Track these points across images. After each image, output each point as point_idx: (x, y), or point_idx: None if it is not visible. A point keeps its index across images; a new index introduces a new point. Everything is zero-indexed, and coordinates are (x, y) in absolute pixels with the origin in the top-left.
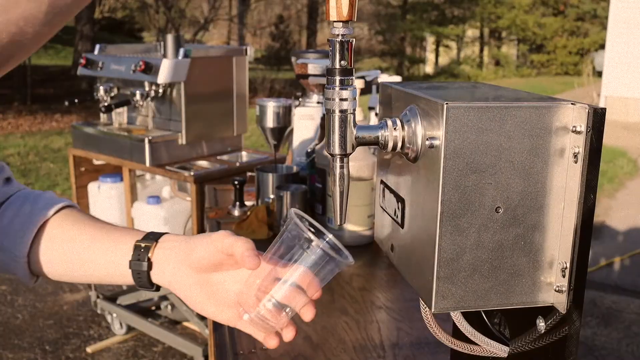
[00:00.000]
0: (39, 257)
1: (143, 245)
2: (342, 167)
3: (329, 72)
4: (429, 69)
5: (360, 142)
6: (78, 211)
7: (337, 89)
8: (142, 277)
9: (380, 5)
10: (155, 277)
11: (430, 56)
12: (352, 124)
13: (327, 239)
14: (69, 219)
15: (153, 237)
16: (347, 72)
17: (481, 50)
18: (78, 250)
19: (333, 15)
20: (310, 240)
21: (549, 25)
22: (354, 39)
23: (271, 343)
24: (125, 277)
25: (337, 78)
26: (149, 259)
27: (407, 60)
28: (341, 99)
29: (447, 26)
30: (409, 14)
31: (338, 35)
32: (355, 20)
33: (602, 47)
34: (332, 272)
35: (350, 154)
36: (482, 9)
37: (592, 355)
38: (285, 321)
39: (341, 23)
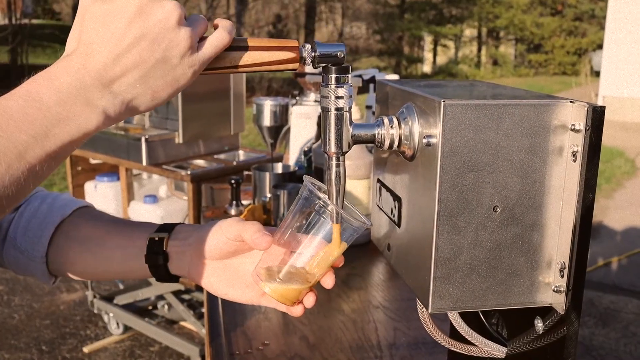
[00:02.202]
0: (57, 257)
1: (157, 238)
2: (338, 165)
3: (324, 70)
4: (426, 68)
5: (357, 141)
6: (93, 210)
7: (332, 86)
8: (160, 270)
9: (378, 5)
10: (174, 268)
11: (428, 55)
12: (348, 122)
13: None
14: (84, 218)
15: (166, 229)
16: (343, 70)
17: (479, 50)
18: (94, 248)
19: (295, 65)
20: (326, 205)
21: (547, 25)
22: (313, 40)
23: (296, 311)
24: (144, 271)
25: (333, 76)
26: (164, 252)
27: (404, 59)
28: (337, 97)
29: (445, 25)
30: (406, 13)
31: (313, 58)
32: (295, 42)
33: (600, 47)
34: (351, 237)
35: (347, 152)
36: (480, 9)
37: (590, 355)
38: (307, 291)
39: (302, 57)
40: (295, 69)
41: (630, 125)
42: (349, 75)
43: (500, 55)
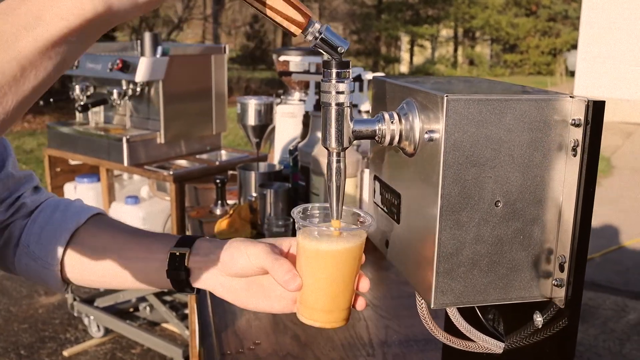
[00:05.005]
0: (72, 265)
1: (178, 253)
2: (338, 161)
3: (325, 65)
4: (403, 68)
5: (357, 136)
6: (108, 218)
7: (333, 81)
8: (182, 284)
9: (355, 5)
10: (196, 282)
11: (405, 55)
12: (348, 118)
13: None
14: (99, 226)
15: (186, 243)
16: (343, 65)
17: (455, 50)
18: (112, 259)
19: (297, 30)
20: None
21: (522, 26)
22: (325, 24)
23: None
24: (165, 283)
25: (334, 71)
26: (186, 267)
27: (382, 59)
28: (337, 92)
29: (421, 26)
30: (383, 14)
31: (315, 37)
32: (310, 14)
33: (574, 47)
34: (361, 246)
35: (347, 148)
36: (456, 9)
37: None
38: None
39: (307, 29)
40: (295, 35)
41: (605, 125)
42: (350, 70)
43: (477, 55)
